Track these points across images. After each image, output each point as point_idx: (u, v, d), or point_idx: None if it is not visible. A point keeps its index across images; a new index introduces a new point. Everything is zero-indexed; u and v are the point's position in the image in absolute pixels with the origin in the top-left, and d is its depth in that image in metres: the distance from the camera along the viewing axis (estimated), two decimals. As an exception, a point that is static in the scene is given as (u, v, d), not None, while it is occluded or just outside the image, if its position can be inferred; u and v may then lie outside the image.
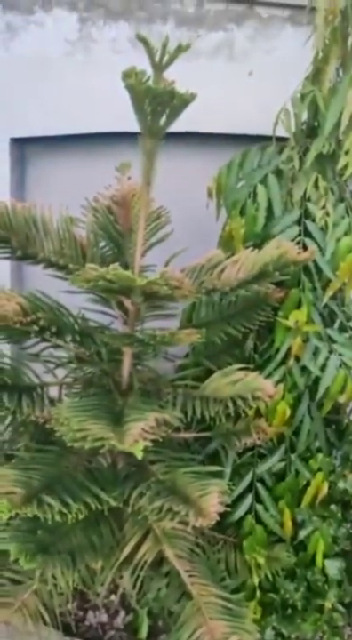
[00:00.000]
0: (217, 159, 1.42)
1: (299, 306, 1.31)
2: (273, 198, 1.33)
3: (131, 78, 0.93)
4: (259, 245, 1.23)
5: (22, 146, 1.73)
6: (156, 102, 0.95)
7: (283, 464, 1.39)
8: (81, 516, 1.05)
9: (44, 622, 1.19)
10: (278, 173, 1.35)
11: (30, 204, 1.17)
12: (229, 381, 1.18)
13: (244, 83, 1.58)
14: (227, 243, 1.34)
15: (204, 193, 1.42)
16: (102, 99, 1.54)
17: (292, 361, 1.33)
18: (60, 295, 1.20)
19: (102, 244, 1.28)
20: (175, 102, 0.97)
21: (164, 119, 1.00)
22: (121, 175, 1.30)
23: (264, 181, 1.34)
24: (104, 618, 1.43)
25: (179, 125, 1.04)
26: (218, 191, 1.39)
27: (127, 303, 1.18)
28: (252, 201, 1.34)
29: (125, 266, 1.24)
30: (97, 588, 1.26)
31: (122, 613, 1.44)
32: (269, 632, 1.37)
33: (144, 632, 1.39)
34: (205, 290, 1.12)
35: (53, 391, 1.31)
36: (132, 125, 1.04)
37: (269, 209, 1.33)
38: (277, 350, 1.33)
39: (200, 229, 1.38)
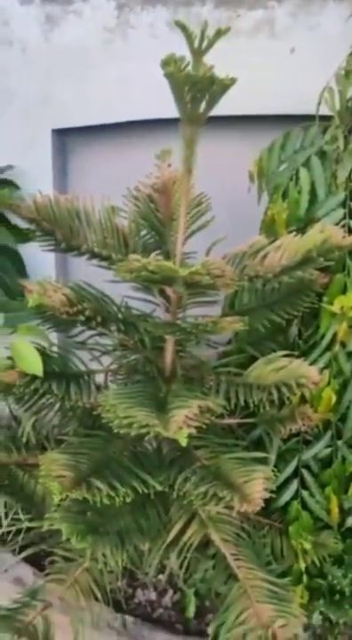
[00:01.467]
0: (258, 142, 1.39)
1: (344, 291, 1.27)
2: (316, 180, 1.29)
3: (170, 66, 0.92)
4: (302, 230, 1.20)
5: (63, 137, 1.76)
6: (196, 89, 0.94)
7: (329, 450, 1.37)
8: (128, 500, 1.08)
9: (96, 598, 1.24)
10: (322, 155, 1.31)
11: (73, 196, 1.19)
12: (273, 368, 1.18)
13: (286, 61, 1.53)
14: (269, 228, 1.32)
15: (245, 177, 1.39)
16: (141, 86, 1.53)
17: (337, 347, 1.30)
18: (104, 284, 1.22)
19: (144, 232, 1.28)
20: (215, 88, 0.96)
21: (203, 105, 0.99)
22: (161, 163, 1.29)
23: (307, 163, 1.30)
24: (153, 596, 1.48)
25: (218, 109, 1.03)
26: (259, 175, 1.37)
27: (169, 291, 1.19)
28: (295, 184, 1.31)
29: (167, 254, 1.24)
30: (145, 567, 1.30)
31: (170, 592, 1.48)
32: (317, 616, 1.37)
33: (191, 611, 1.43)
34: (248, 277, 1.11)
35: (99, 378, 1.34)
36: (172, 112, 1.03)
37: (313, 192, 1.29)
38: (322, 336, 1.31)
39: (241, 215, 1.36)
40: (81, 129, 1.70)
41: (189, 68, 0.95)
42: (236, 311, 1.29)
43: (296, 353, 1.30)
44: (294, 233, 1.15)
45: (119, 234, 1.23)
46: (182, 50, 0.96)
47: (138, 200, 1.29)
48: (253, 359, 1.25)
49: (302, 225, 1.28)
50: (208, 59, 0.97)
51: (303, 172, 1.29)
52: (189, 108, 0.98)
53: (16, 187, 1.61)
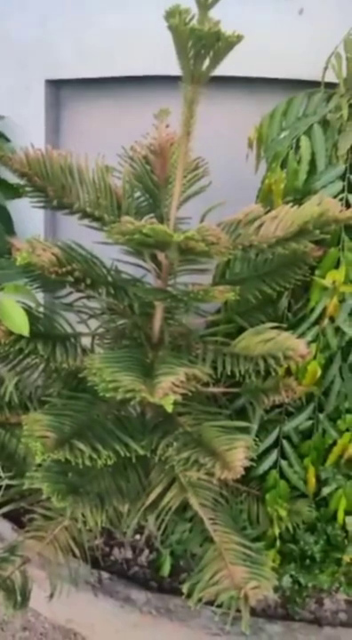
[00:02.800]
0: (260, 107, 1.34)
1: (337, 265, 1.26)
2: (317, 151, 1.26)
3: (174, 18, 0.87)
4: (299, 201, 1.18)
5: (57, 88, 1.69)
6: (200, 45, 0.90)
7: (310, 423, 1.40)
8: (110, 462, 1.09)
9: (74, 555, 1.27)
10: (325, 124, 1.27)
11: (66, 152, 1.14)
12: (261, 340, 1.17)
13: (294, 22, 1.46)
14: (265, 197, 1.29)
15: (244, 143, 1.36)
16: (143, 38, 1.46)
17: (326, 321, 1.30)
18: (93, 246, 1.19)
19: (137, 194, 1.25)
20: (220, 44, 0.91)
21: (207, 63, 0.95)
22: (159, 123, 1.25)
23: (308, 132, 1.27)
24: (129, 554, 1.52)
25: (222, 68, 0.98)
26: (259, 142, 1.33)
27: (161, 257, 1.17)
28: (295, 153, 1.28)
29: (161, 218, 1.21)
30: (123, 528, 1.33)
31: (146, 552, 1.52)
32: (287, 579, 1.42)
33: (166, 570, 1.47)
34: (241, 246, 1.09)
35: (86, 341, 1.33)
36: (173, 69, 0.99)
37: (312, 162, 1.26)
38: (312, 310, 1.31)
39: (238, 182, 1.33)
40: (76, 81, 1.63)
41: (194, 21, 0.91)
42: (228, 280, 1.28)
43: (285, 325, 1.30)
44: (291, 204, 1.13)
45: (112, 194, 1.20)
46: (188, 2, 0.91)
47: (133, 161, 1.25)
48: (242, 329, 1.25)
49: (299, 196, 1.26)
50: (214, 14, 0.93)
51: (304, 141, 1.26)
52: (192, 64, 0.94)
53: (6, 139, 1.55)
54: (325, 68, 1.27)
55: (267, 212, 1.11)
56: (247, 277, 1.27)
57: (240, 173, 1.34)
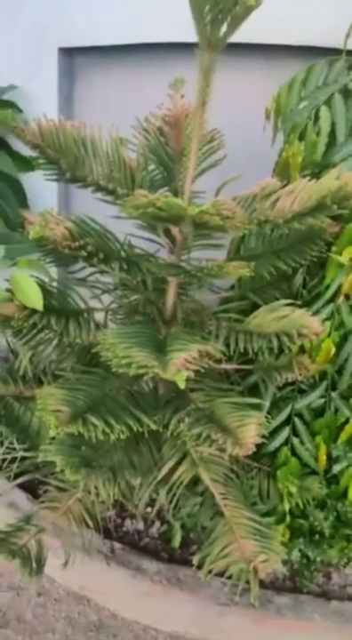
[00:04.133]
0: (279, 76, 1.30)
1: (354, 242, 1.24)
2: (337, 121, 1.22)
3: (190, -19, 0.84)
4: (317, 174, 1.15)
5: (71, 57, 1.65)
6: (218, 9, 0.86)
7: (322, 401, 1.39)
8: (122, 437, 1.10)
9: (87, 526, 1.29)
10: (346, 93, 1.23)
11: (79, 123, 1.12)
12: (275, 317, 1.16)
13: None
14: (282, 170, 1.26)
15: (261, 114, 1.31)
16: (158, 4, 1.41)
17: (341, 299, 1.28)
18: (106, 220, 1.18)
19: (151, 167, 1.23)
20: (238, 10, 0.88)
21: (224, 29, 0.91)
22: (174, 93, 1.22)
23: (329, 102, 1.22)
24: (140, 526, 1.54)
25: (238, 36, 0.95)
26: (276, 112, 1.29)
27: (175, 231, 1.15)
28: (314, 124, 1.23)
29: (175, 191, 1.19)
30: (135, 501, 1.35)
31: (157, 524, 1.54)
32: (296, 553, 1.44)
33: (177, 542, 1.49)
34: (257, 221, 1.07)
35: (98, 317, 1.33)
36: (189, 35, 0.95)
37: (332, 134, 1.22)
38: (327, 287, 1.29)
39: (254, 155, 1.30)
40: (90, 49, 1.59)
41: (212, -16, 0.87)
42: (242, 256, 1.26)
43: (299, 302, 1.28)
44: (308, 177, 1.10)
45: (126, 167, 1.18)
46: None
47: (147, 132, 1.22)
48: (255, 306, 1.23)
49: (318, 169, 1.22)
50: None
51: (324, 111, 1.21)
52: (209, 30, 0.90)
53: (19, 109, 1.53)
54: (348, 36, 1.22)
55: (283, 186, 1.08)
56: (262, 253, 1.25)
57: (256, 146, 1.31)
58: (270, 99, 1.30)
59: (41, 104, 1.50)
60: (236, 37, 0.94)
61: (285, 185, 1.08)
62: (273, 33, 1.37)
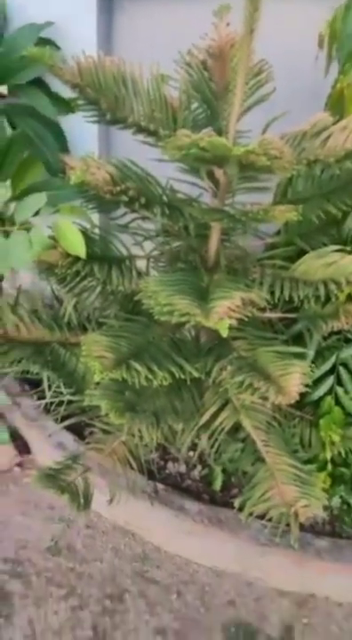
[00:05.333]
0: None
1: None
2: None
3: None
4: (374, 108, 1.06)
5: (109, -11, 1.55)
6: None
7: (369, 350, 1.35)
8: (165, 383, 1.11)
9: (131, 467, 1.34)
10: None
11: (119, 60, 1.07)
12: (323, 263, 1.12)
13: None
14: (336, 104, 1.16)
15: (314, 41, 1.21)
16: None
17: None
18: (148, 163, 1.14)
19: (195, 105, 1.16)
20: None
21: None
22: (218, 21, 1.13)
23: None
24: (182, 469, 1.59)
25: None
26: (331, 39, 1.17)
27: (219, 174, 1.11)
28: (372, 51, 1.13)
29: (219, 131, 1.14)
30: (178, 445, 1.38)
31: (198, 467, 1.58)
32: (336, 500, 1.45)
33: (218, 485, 1.53)
34: (306, 160, 1.00)
35: (140, 264, 1.32)
36: None
37: None
38: (379, 232, 1.22)
39: (305, 88, 1.21)
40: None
41: None
42: (289, 200, 1.20)
43: (348, 248, 1.22)
44: (365, 111, 1.02)
45: (168, 107, 1.12)
46: None
47: (190, 67, 1.15)
48: (302, 252, 1.19)
49: (375, 102, 1.13)
50: None
51: (385, 37, 1.10)
52: None
53: (56, 47, 1.47)
54: None
55: (336, 122, 1.01)
56: (310, 196, 1.18)
57: (307, 78, 1.21)
58: (324, 24, 1.18)
59: (79, 41, 1.43)
60: None
61: (338, 120, 1.00)
62: None
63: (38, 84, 1.45)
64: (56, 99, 1.43)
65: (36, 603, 1.39)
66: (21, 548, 1.50)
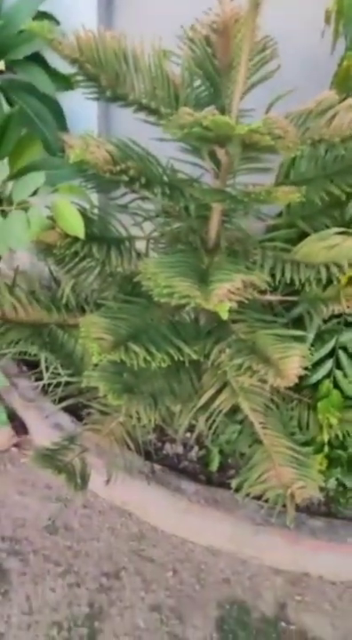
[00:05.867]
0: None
1: None
2: None
3: None
4: (381, 87, 1.04)
5: None
6: None
7: (369, 334, 1.35)
8: (164, 365, 1.11)
9: (129, 448, 1.35)
10: None
11: (120, 34, 1.04)
12: (325, 246, 1.11)
13: None
14: (342, 82, 1.13)
15: (320, 16, 1.17)
16: None
17: None
18: (149, 143, 1.12)
19: (197, 83, 1.14)
20: None
21: None
22: (223, -5, 1.10)
23: None
24: (180, 450, 1.60)
25: None
26: (338, 14, 1.14)
27: (220, 154, 1.09)
28: (381, 28, 1.10)
29: (222, 109, 1.11)
30: (175, 426, 1.39)
31: (195, 448, 1.59)
32: (332, 482, 1.47)
33: (215, 466, 1.54)
34: (311, 140, 0.99)
35: (140, 245, 1.31)
36: None
37: None
38: (383, 215, 1.21)
39: (310, 65, 1.18)
40: None
41: None
42: (292, 181, 1.18)
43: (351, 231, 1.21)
44: (371, 90, 1.00)
45: (170, 84, 1.10)
46: None
47: (193, 43, 1.12)
48: (304, 235, 1.18)
49: (382, 82, 1.10)
50: None
51: None
52: None
53: (56, 21, 1.43)
54: None
55: (342, 100, 0.99)
56: (314, 177, 1.17)
57: (312, 55, 1.18)
58: (331, -1, 1.15)
59: (78, 13, 1.39)
60: None
61: (345, 98, 0.98)
62: None
63: (36, 59, 1.41)
64: (54, 75, 1.40)
65: (34, 580, 1.41)
66: (19, 526, 1.51)
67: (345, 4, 1.12)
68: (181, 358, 1.14)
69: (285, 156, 1.05)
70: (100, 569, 1.44)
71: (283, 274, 1.14)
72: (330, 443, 1.41)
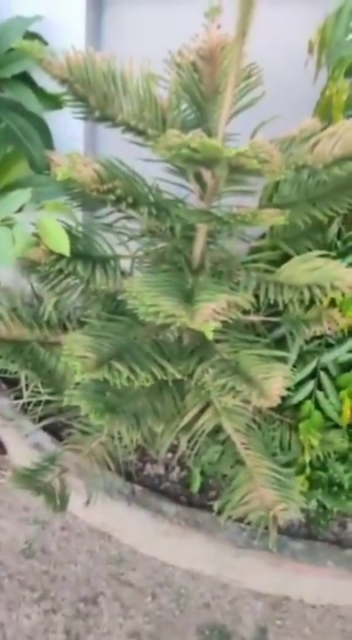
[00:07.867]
0: (325, 5, 1.19)
1: None
2: None
3: None
4: (362, 116, 1.07)
5: (98, -16, 1.54)
6: None
7: (350, 356, 1.37)
8: (147, 384, 1.10)
9: (109, 468, 1.33)
10: None
11: (109, 56, 1.06)
12: (307, 268, 1.12)
13: None
14: (324, 111, 1.17)
15: (303, 48, 1.21)
16: None
17: (377, 252, 1.23)
18: (135, 163, 1.13)
19: (184, 106, 1.16)
20: None
21: None
22: (209, 22, 1.13)
23: (378, 36, 1.13)
24: (161, 471, 1.58)
25: None
26: (321, 46, 1.18)
27: (206, 176, 1.11)
28: (361, 60, 1.14)
29: (208, 133, 1.13)
30: (157, 447, 1.37)
31: (177, 469, 1.58)
32: (314, 503, 1.47)
33: (196, 487, 1.53)
34: (294, 165, 1.01)
35: (124, 264, 1.31)
36: None
37: (381, 71, 1.13)
38: (363, 239, 1.24)
39: (293, 93, 1.22)
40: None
41: None
42: (276, 204, 1.20)
43: (333, 254, 1.24)
44: (352, 119, 1.03)
45: (157, 106, 1.11)
46: None
47: (180, 68, 1.14)
48: (287, 257, 1.19)
49: (363, 111, 1.14)
50: None
51: (373, 47, 1.12)
52: None
53: (44, 42, 1.44)
54: None
55: (324, 128, 1.02)
56: (297, 201, 1.19)
57: (296, 84, 1.22)
58: (314, 30, 1.19)
59: (67, 36, 1.41)
60: None
61: (327, 126, 1.01)
62: None
63: (24, 78, 1.42)
64: (42, 94, 1.41)
65: (8, 606, 1.36)
66: (-6, 550, 1.47)
67: (327, 37, 1.17)
68: (165, 378, 1.13)
69: (269, 179, 1.07)
70: (77, 594, 1.40)
71: (266, 295, 1.15)
72: (311, 464, 1.41)
